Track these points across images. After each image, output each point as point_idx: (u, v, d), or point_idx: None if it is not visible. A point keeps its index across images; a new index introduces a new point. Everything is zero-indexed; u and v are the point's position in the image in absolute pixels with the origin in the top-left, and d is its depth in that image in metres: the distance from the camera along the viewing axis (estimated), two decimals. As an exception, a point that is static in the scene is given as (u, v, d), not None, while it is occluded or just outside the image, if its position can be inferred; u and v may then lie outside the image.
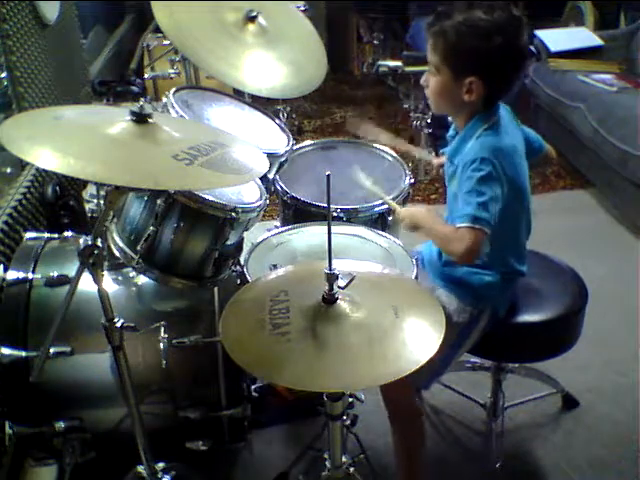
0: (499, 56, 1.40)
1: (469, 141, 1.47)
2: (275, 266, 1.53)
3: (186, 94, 1.81)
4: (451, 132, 1.60)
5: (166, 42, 3.09)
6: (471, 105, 1.47)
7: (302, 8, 3.09)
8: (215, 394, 1.60)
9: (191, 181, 1.16)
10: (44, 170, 2.14)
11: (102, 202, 2.04)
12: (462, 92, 1.44)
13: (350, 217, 1.80)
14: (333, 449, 1.36)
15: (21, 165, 2.14)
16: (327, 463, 1.39)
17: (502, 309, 1.64)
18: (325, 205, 1.14)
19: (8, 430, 1.52)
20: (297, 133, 4.07)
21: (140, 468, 1.48)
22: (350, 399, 1.49)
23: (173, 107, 1.65)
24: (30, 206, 2.06)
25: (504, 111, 1.53)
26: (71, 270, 1.55)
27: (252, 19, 1.88)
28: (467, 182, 1.41)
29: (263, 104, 2.10)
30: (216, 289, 1.60)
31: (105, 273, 1.28)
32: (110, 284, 1.61)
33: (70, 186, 2.43)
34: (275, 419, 2.04)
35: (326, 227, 1.15)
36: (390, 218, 1.85)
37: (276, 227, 1.91)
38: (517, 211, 1.53)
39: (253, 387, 1.82)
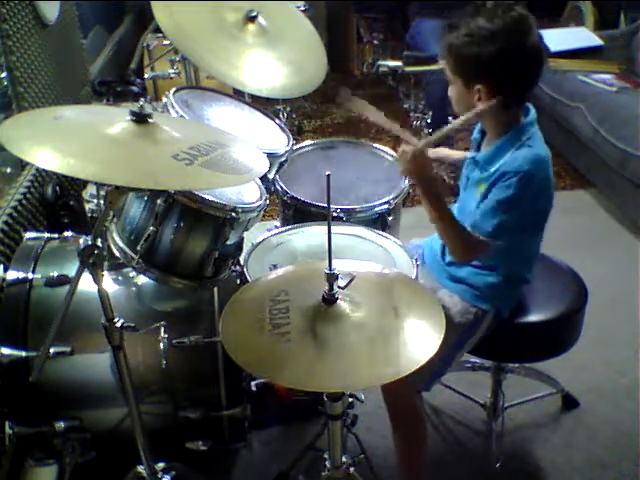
0: (500, 61, 1.40)
1: (508, 151, 1.46)
2: (275, 266, 1.53)
3: (186, 94, 1.81)
4: (475, 135, 1.60)
5: (166, 42, 3.09)
6: (487, 112, 1.46)
7: (302, 8, 3.10)
8: (215, 394, 1.60)
9: (191, 181, 1.16)
10: (44, 170, 2.14)
11: (102, 202, 2.04)
12: (474, 100, 1.45)
13: (350, 217, 1.80)
14: (333, 449, 1.36)
15: (21, 165, 2.14)
16: (327, 463, 1.39)
17: (506, 310, 1.63)
18: (325, 205, 1.14)
19: (8, 430, 1.52)
20: (297, 133, 4.07)
21: (140, 468, 1.48)
22: (350, 399, 1.49)
23: (173, 107, 1.65)
24: (30, 206, 2.06)
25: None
26: (71, 270, 1.54)
27: (252, 19, 1.88)
28: (500, 193, 1.42)
29: (263, 104, 2.10)
30: (216, 289, 1.60)
31: (105, 273, 1.28)
32: (110, 284, 1.61)
33: (70, 186, 2.43)
34: (275, 419, 2.04)
35: (326, 227, 1.15)
36: (390, 218, 1.85)
37: (276, 227, 1.91)
38: (541, 220, 1.54)
39: (253, 383, 1.82)
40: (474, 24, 1.41)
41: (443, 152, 1.82)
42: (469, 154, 1.59)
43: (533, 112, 1.51)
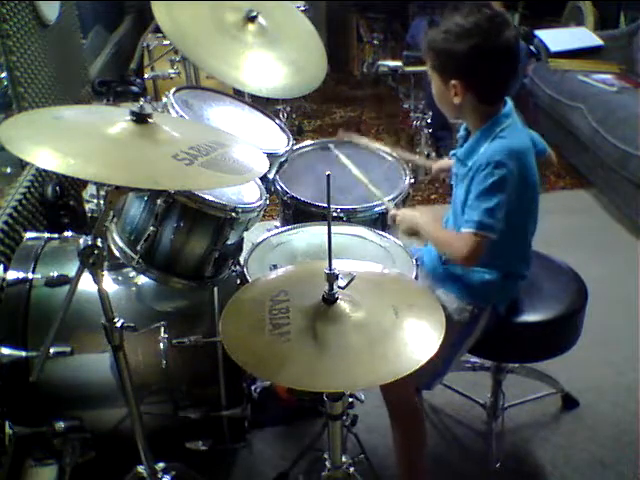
0: (471, 58, 1.42)
1: (484, 143, 1.48)
2: (275, 266, 1.53)
3: (186, 94, 1.81)
4: (461, 132, 1.61)
5: (166, 42, 3.09)
6: (466, 107, 1.48)
7: (302, 8, 3.09)
8: (215, 394, 1.60)
9: (191, 181, 1.16)
10: (44, 170, 2.14)
11: (102, 202, 2.04)
12: (451, 95, 1.47)
13: (350, 217, 1.81)
14: (333, 449, 1.36)
15: (21, 165, 2.14)
16: (327, 463, 1.39)
17: (502, 306, 1.64)
18: (325, 205, 1.14)
19: (8, 430, 1.52)
20: (297, 133, 4.07)
21: (140, 468, 1.48)
22: (350, 399, 1.49)
23: (173, 107, 1.65)
24: (30, 206, 2.06)
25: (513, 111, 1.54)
26: (71, 270, 1.55)
27: (252, 19, 1.88)
28: (478, 185, 1.43)
29: (263, 104, 2.10)
30: (216, 289, 1.60)
31: (105, 273, 1.28)
32: (110, 284, 1.61)
33: (70, 186, 2.43)
34: (275, 419, 2.04)
35: (326, 227, 1.15)
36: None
37: (276, 227, 1.91)
38: (526, 212, 1.54)
39: (254, 387, 1.81)
40: (451, 21, 1.44)
41: (446, 165, 1.84)
42: (452, 151, 1.61)
43: (509, 104, 1.53)
